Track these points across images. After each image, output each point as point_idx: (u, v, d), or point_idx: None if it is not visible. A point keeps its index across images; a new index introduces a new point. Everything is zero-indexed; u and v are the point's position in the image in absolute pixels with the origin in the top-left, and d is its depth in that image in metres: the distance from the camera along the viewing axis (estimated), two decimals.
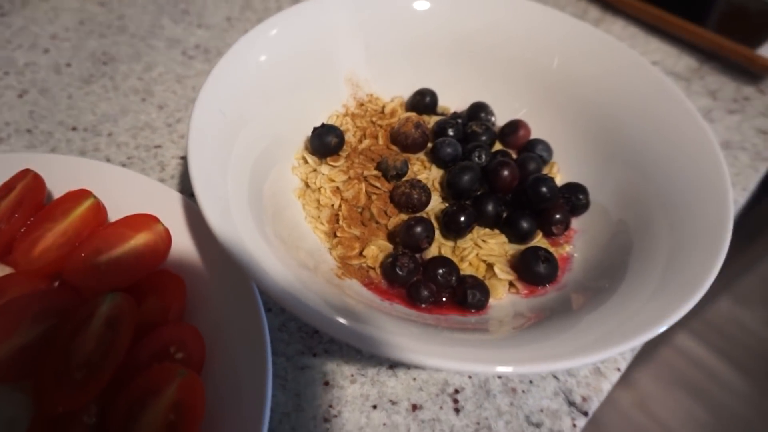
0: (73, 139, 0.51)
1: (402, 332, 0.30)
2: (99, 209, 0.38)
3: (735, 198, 0.53)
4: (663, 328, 0.29)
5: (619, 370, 0.40)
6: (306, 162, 0.44)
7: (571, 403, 0.38)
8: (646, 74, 0.43)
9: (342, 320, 0.27)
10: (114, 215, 0.39)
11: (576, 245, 0.42)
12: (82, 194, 0.38)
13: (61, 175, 0.40)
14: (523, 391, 0.38)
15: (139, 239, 0.37)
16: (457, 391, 0.38)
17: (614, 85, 0.45)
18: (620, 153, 0.43)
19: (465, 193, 0.41)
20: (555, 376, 0.39)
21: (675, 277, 0.32)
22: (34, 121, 0.52)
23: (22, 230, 0.36)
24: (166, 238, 0.37)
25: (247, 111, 0.40)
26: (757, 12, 0.66)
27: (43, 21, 0.63)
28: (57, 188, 0.40)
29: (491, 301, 0.38)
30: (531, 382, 0.39)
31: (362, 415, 0.36)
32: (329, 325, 0.27)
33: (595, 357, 0.27)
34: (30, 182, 0.38)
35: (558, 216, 0.41)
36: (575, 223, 0.43)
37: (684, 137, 0.40)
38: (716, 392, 1.24)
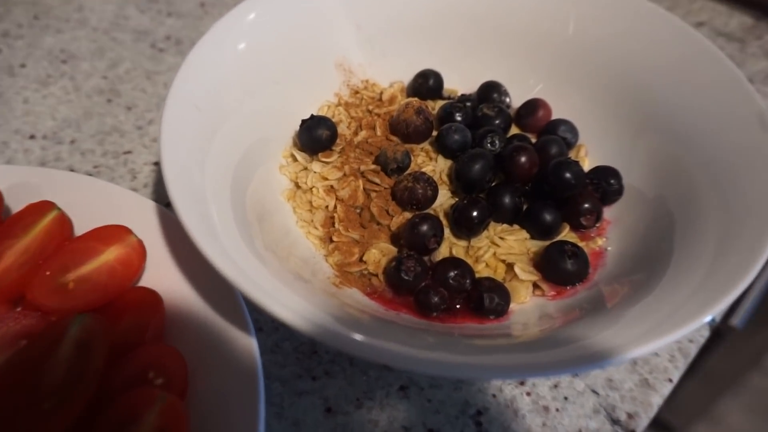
0: (32, 149, 0.53)
1: (428, 345, 0.32)
2: (64, 222, 0.40)
3: None
4: (719, 308, 0.30)
5: (671, 380, 0.41)
6: (295, 160, 0.46)
7: (615, 422, 0.39)
8: (672, 27, 0.45)
9: (358, 337, 0.29)
10: (81, 229, 0.41)
11: (610, 238, 0.43)
12: (44, 206, 0.40)
13: (20, 188, 0.43)
14: (557, 410, 0.39)
15: (110, 253, 0.38)
16: (480, 413, 0.39)
17: (638, 44, 0.46)
18: (654, 122, 0.45)
19: (477, 185, 0.42)
20: (594, 391, 0.40)
21: (728, 258, 0.34)
22: None
23: None
24: (140, 251, 0.39)
25: (226, 106, 0.42)
26: None
27: None
28: (15, 203, 0.42)
29: (513, 305, 0.40)
30: (566, 398, 0.40)
31: None
32: (343, 341, 0.28)
33: (664, 340, 0.29)
34: None
35: (587, 205, 0.42)
36: (608, 212, 0.45)
37: (722, 96, 0.41)
38: None
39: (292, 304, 0.30)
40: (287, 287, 0.33)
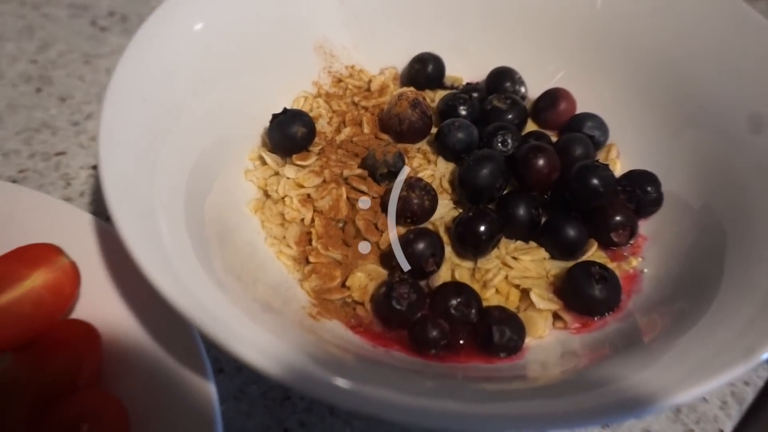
0: None
1: (425, 390, 0.32)
2: None
3: None
4: None
5: None
6: (264, 163, 0.46)
7: None
8: (722, 1, 0.45)
9: (340, 382, 0.28)
10: (1, 248, 0.40)
11: (647, 258, 0.43)
12: None
13: None
14: None
15: (36, 279, 0.38)
16: None
17: (680, 22, 0.47)
18: (698, 117, 0.45)
19: (485, 194, 0.42)
20: None
21: None
22: None
23: None
24: (73, 275, 0.39)
25: (180, 98, 0.42)
26: None
27: None
28: None
29: (528, 341, 0.39)
30: None
31: None
32: (322, 387, 0.28)
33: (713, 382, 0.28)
34: None
35: (618, 218, 0.42)
36: (644, 226, 0.45)
37: None
38: None
39: (259, 342, 0.30)
40: (253, 320, 0.33)
